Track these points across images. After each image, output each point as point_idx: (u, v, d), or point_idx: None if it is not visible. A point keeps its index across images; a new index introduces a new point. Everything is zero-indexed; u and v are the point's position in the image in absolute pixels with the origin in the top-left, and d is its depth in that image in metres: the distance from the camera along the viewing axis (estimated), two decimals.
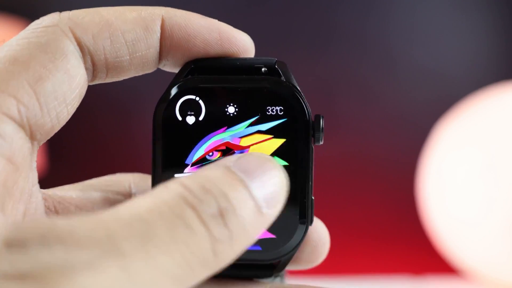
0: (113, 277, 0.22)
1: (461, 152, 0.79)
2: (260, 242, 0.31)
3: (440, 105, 0.88)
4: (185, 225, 0.24)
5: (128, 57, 0.30)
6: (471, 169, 0.78)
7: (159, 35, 0.31)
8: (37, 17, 0.30)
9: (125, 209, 0.24)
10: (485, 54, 0.91)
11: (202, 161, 0.31)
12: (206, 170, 0.26)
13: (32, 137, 0.28)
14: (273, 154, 0.31)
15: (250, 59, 0.32)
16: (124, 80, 0.32)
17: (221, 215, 0.25)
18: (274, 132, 0.31)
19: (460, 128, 0.80)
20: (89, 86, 0.31)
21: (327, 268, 0.92)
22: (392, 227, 0.91)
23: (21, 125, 0.28)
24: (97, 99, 0.91)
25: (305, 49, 0.91)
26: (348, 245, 0.90)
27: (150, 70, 0.32)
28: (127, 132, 0.93)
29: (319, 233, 0.32)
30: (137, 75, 0.32)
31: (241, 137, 0.31)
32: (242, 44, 0.32)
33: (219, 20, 0.32)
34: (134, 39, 0.30)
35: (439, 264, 0.88)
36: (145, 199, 0.24)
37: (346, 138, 0.91)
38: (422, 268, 0.90)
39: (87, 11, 0.30)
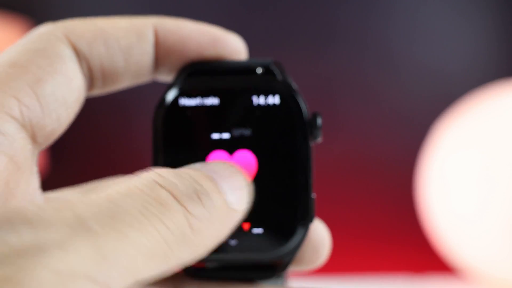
0: (86, 256, 0.21)
1: (461, 151, 0.79)
2: (262, 241, 0.31)
3: (440, 104, 0.88)
4: (158, 202, 0.24)
5: (123, 63, 0.31)
6: (470, 169, 0.78)
7: (152, 41, 0.31)
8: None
9: (95, 194, 0.24)
10: (485, 53, 0.91)
11: None
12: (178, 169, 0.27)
13: (33, 139, 0.28)
14: (270, 152, 0.31)
15: (246, 60, 0.33)
16: None
17: (197, 195, 0.25)
18: (271, 130, 0.31)
19: (460, 127, 0.80)
20: None
21: (327, 267, 0.92)
22: (391, 226, 0.91)
23: (23, 125, 0.28)
24: (97, 100, 0.90)
25: (305, 49, 0.90)
26: (348, 245, 0.90)
27: (145, 79, 0.32)
28: (128, 133, 0.93)
29: (319, 233, 0.32)
30: (132, 84, 0.32)
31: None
32: (235, 45, 0.32)
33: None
34: (128, 45, 0.31)
35: (438, 264, 0.88)
36: (117, 185, 0.24)
37: (346, 138, 0.91)
38: (421, 268, 0.90)
39: (81, 20, 0.31)
